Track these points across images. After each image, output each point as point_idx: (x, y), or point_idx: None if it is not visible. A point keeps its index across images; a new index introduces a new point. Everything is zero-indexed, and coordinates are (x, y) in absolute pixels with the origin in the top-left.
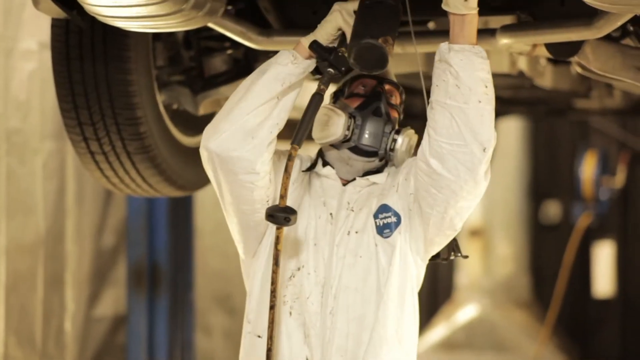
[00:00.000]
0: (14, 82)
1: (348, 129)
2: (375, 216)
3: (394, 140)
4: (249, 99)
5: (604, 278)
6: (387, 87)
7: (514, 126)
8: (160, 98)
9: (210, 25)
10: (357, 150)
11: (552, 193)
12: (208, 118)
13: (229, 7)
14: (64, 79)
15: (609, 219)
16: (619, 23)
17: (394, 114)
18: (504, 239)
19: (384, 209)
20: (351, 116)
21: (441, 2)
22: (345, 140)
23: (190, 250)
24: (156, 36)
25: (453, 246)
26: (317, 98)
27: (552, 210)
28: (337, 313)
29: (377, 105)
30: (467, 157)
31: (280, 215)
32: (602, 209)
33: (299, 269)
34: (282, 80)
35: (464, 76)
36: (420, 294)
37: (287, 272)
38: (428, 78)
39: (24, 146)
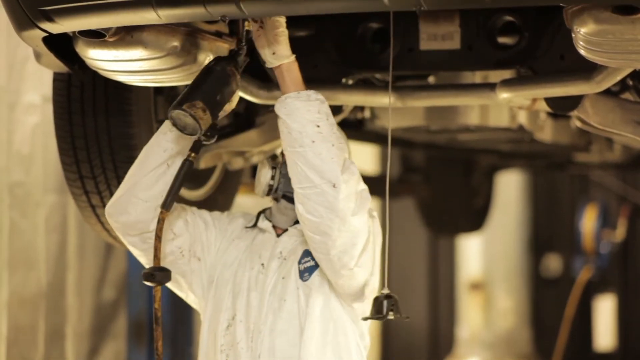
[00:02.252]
0: (17, 136)
1: (273, 179)
2: (299, 262)
3: None
4: (137, 167)
5: (605, 332)
6: None
7: (515, 179)
8: None
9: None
10: (288, 198)
11: (553, 246)
12: (209, 171)
13: None
14: (66, 132)
15: (610, 272)
16: (619, 77)
17: None
18: (505, 292)
19: (306, 254)
20: (274, 167)
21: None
22: (275, 190)
23: None
24: (158, 90)
25: (385, 304)
26: (186, 164)
27: (553, 263)
28: (265, 356)
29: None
30: (320, 197)
31: (157, 274)
32: (603, 262)
33: (233, 317)
34: (163, 147)
35: (291, 123)
36: (421, 347)
37: (224, 323)
38: (427, 132)
39: (27, 199)
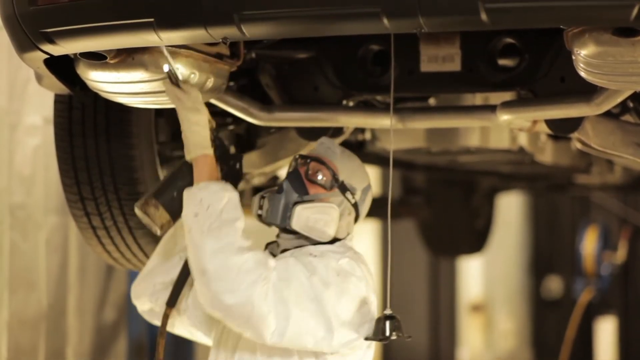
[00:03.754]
0: (18, 157)
1: (260, 209)
2: None
3: (292, 214)
4: (154, 254)
5: (606, 353)
6: (312, 164)
7: (515, 201)
8: (162, 173)
9: (213, 101)
10: (282, 228)
11: (554, 268)
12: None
13: (231, 83)
14: (67, 154)
15: (611, 294)
16: (619, 99)
17: (314, 189)
18: (506, 314)
19: None
20: (263, 196)
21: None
22: (263, 220)
23: None
24: (158, 112)
25: (388, 325)
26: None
27: (554, 285)
28: None
29: (281, 183)
30: (198, 286)
31: None
32: (604, 284)
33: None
34: (175, 240)
35: (183, 215)
36: None
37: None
38: (428, 154)
39: (28, 221)
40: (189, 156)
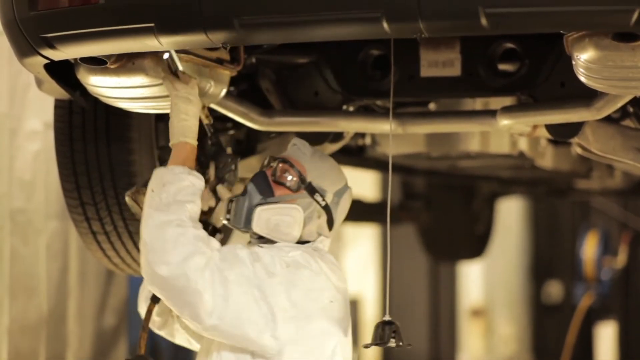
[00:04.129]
0: (18, 162)
1: (229, 212)
2: None
3: (252, 216)
4: None
5: (606, 358)
6: (280, 166)
7: (515, 206)
8: None
9: (213, 106)
10: (248, 232)
11: (554, 273)
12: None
13: (231, 88)
14: (67, 159)
15: (611, 299)
16: (619, 104)
17: (279, 191)
18: (506, 319)
19: None
20: (232, 200)
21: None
22: (230, 224)
23: None
24: (159, 116)
25: (387, 331)
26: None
27: (554, 290)
28: None
29: (245, 185)
30: (140, 259)
31: None
32: (604, 289)
33: None
34: None
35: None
36: None
37: None
38: (428, 159)
39: (28, 226)
40: (170, 142)
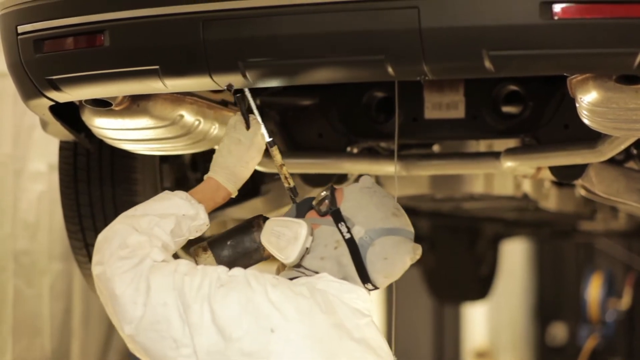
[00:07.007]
0: (22, 203)
1: None
2: None
3: None
4: None
5: None
6: (323, 193)
7: (520, 248)
8: None
9: (217, 147)
10: None
11: (558, 315)
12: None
13: None
14: (71, 200)
15: (616, 341)
16: (623, 146)
17: (310, 215)
18: None
19: None
20: None
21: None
22: None
23: None
24: (163, 158)
25: None
26: None
27: (559, 332)
28: None
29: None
30: None
31: None
32: (609, 331)
33: None
34: None
35: None
36: None
37: None
38: (432, 200)
39: (32, 267)
40: (207, 174)
